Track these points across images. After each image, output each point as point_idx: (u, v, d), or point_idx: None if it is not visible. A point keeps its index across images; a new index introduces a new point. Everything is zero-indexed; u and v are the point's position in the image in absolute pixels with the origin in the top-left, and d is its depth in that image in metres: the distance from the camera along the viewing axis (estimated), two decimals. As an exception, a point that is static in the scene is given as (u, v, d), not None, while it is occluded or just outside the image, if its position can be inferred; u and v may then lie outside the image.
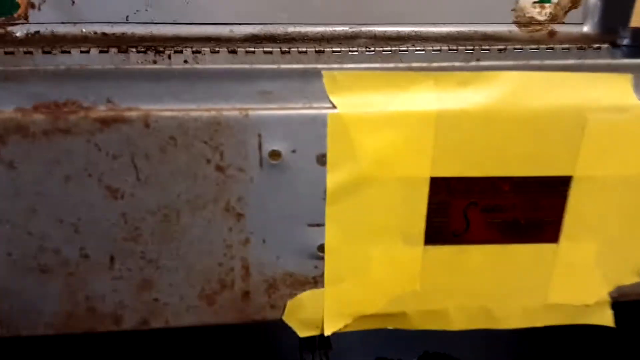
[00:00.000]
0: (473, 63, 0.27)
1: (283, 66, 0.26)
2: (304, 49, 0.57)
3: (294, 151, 0.27)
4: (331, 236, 0.29)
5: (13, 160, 0.25)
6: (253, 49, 0.57)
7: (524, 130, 0.28)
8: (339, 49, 0.58)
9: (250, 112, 0.26)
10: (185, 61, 0.57)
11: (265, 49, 0.57)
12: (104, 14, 0.57)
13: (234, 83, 0.26)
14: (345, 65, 0.26)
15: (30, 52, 0.52)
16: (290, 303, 0.30)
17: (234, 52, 0.56)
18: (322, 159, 0.27)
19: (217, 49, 0.57)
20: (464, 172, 0.28)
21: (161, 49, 0.57)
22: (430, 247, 0.30)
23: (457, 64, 0.27)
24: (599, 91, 0.28)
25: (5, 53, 0.54)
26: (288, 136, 0.26)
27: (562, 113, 0.27)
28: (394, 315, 0.31)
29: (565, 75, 0.28)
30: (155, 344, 0.64)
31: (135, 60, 0.55)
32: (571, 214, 0.29)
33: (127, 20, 0.58)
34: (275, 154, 0.27)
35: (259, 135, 0.26)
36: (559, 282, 0.31)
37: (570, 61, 0.28)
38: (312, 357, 0.36)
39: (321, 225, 0.28)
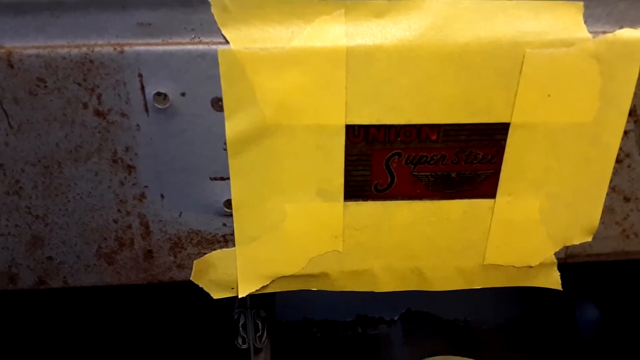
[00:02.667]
0: None
1: (162, -10, 0.23)
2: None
3: (183, 94, 0.23)
4: (238, 191, 0.26)
5: None
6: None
7: (451, 69, 0.24)
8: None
9: (127, 48, 0.22)
10: None
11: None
12: None
13: (107, 13, 0.22)
14: (239, -10, 0.23)
15: None
16: (197, 263, 0.27)
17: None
18: (218, 104, 0.24)
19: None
20: (384, 118, 0.25)
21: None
22: (351, 203, 0.27)
23: (372, -13, 0.23)
24: (541, 22, 0.24)
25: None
26: (175, 76, 0.23)
27: (497, 48, 0.23)
28: (316, 276, 0.29)
29: (502, 2, 0.24)
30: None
31: None
32: (509, 165, 0.26)
33: None
34: (161, 97, 0.24)
35: (140, 75, 0.22)
36: (497, 241, 0.28)
37: None
38: (245, 314, 0.35)
39: (226, 179, 0.26)
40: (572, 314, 0.70)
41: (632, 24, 0.24)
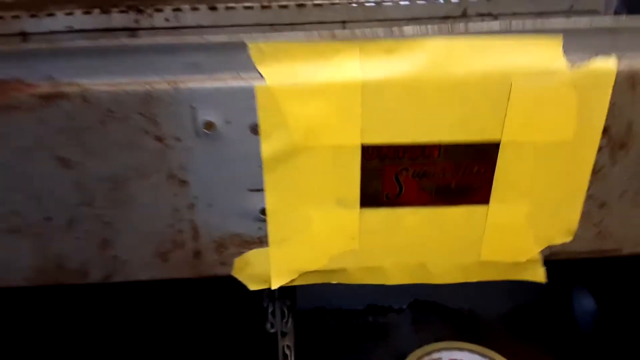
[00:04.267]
0: (396, 28, 0.27)
1: (209, 37, 0.27)
2: (285, 3, 0.58)
3: (227, 122, 0.27)
4: (271, 201, 0.29)
5: (-31, 135, 0.27)
6: (233, 5, 0.58)
7: (449, 97, 0.27)
8: (320, 2, 0.58)
9: (181, 85, 0.26)
10: (167, 19, 0.58)
11: (245, 5, 0.58)
12: None
13: (162, 55, 0.27)
14: (269, 35, 0.27)
15: (18, 17, 0.54)
16: (237, 260, 0.31)
17: (214, 8, 0.57)
18: (255, 129, 0.27)
19: (197, 6, 0.57)
20: (394, 139, 0.29)
21: (142, 8, 0.58)
22: (366, 210, 0.30)
23: (380, 31, 0.27)
24: (526, 55, 0.28)
25: (-6, 17, 0.56)
26: (220, 107, 0.27)
27: (487, 79, 0.27)
28: (336, 271, 0.33)
29: (490, 40, 0.28)
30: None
31: (119, 20, 0.57)
32: (500, 177, 0.29)
33: None
34: (209, 125, 0.27)
35: (192, 107, 0.27)
36: (490, 241, 0.32)
37: (496, 25, 0.28)
38: (273, 304, 0.39)
39: (261, 190, 0.29)
40: (569, 306, 0.73)
41: (604, 53, 0.28)
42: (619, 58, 0.27)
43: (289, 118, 0.27)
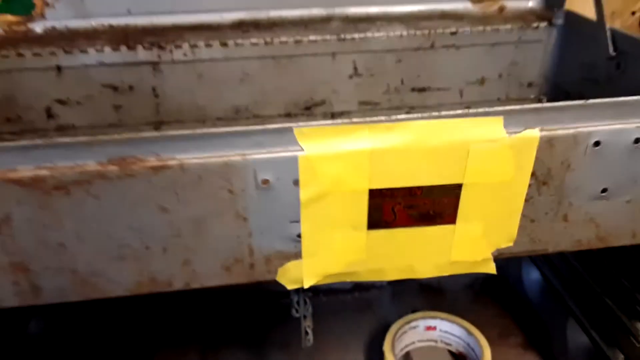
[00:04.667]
0: (394, 117, 0.39)
1: (269, 126, 0.38)
2: (285, 40, 0.69)
3: (278, 179, 0.39)
4: (304, 228, 0.40)
5: (98, 194, 0.38)
6: (241, 41, 0.69)
7: (428, 158, 0.39)
8: (314, 38, 0.70)
9: (247, 157, 0.36)
10: (185, 54, 0.69)
11: (252, 41, 0.69)
12: (108, 8, 0.68)
13: (237, 138, 0.38)
14: (309, 123, 0.39)
15: (54, 53, 0.64)
16: (280, 269, 0.43)
17: (225, 44, 0.68)
18: (296, 182, 0.39)
19: (210, 42, 0.68)
20: (391, 184, 0.40)
21: (163, 44, 0.68)
22: (372, 231, 0.41)
23: (383, 117, 0.39)
24: (479, 129, 0.41)
25: (33, 55, 0.65)
26: (274, 170, 0.37)
27: (454, 145, 0.39)
28: (350, 274, 0.43)
29: (456, 120, 0.40)
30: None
31: (143, 56, 0.67)
32: (462, 206, 0.40)
33: (129, 12, 0.69)
34: (265, 181, 0.39)
35: (254, 170, 0.38)
36: (457, 248, 0.44)
37: (460, 111, 0.40)
38: (298, 295, 0.52)
39: (298, 221, 0.40)
40: (520, 276, 0.88)
41: (531, 127, 0.41)
42: (541, 129, 0.40)
43: (319, 175, 0.39)
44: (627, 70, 0.59)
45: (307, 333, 0.51)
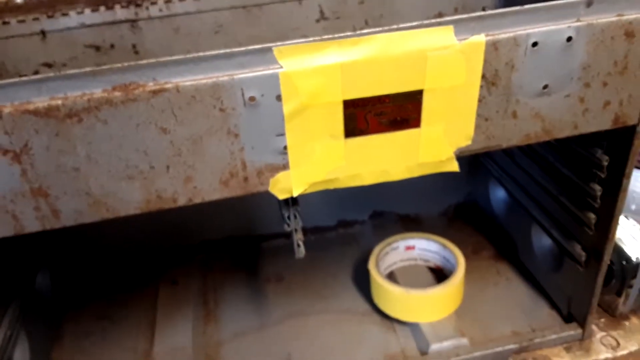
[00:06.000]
0: (358, 32, 0.45)
1: (250, 47, 0.43)
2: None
3: (262, 95, 0.44)
4: (289, 140, 0.45)
5: (106, 119, 0.43)
6: (215, -8, 0.73)
7: (393, 67, 0.45)
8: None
9: (235, 77, 0.42)
10: (160, 10, 0.73)
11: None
12: None
13: (223, 61, 0.43)
14: (286, 42, 0.44)
15: (38, 19, 0.67)
16: (272, 180, 0.49)
17: (199, -2, 0.72)
18: (279, 98, 0.44)
19: (183, -5, 0.72)
20: (362, 94, 0.45)
21: (139, 2, 0.72)
22: (348, 139, 0.46)
23: (349, 33, 0.45)
24: (434, 38, 0.46)
25: (18, 22, 0.69)
26: (258, 87, 0.42)
27: (413, 54, 0.44)
28: (332, 180, 0.49)
29: (414, 31, 0.46)
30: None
31: (121, 14, 0.71)
32: (425, 110, 0.46)
33: None
34: (252, 98, 0.44)
35: (242, 89, 0.44)
36: (424, 149, 0.50)
37: (416, 24, 0.46)
38: (289, 210, 0.58)
39: (283, 135, 0.45)
40: (487, 197, 0.95)
41: (478, 33, 0.47)
42: (486, 34, 0.46)
43: (299, 89, 0.45)
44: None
45: (299, 245, 0.57)
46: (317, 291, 0.81)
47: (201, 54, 0.41)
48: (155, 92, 0.42)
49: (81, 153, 0.43)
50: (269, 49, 0.42)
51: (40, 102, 0.40)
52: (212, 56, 0.42)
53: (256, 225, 0.96)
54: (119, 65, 0.40)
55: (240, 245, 0.97)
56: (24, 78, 0.39)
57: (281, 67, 0.41)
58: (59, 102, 0.40)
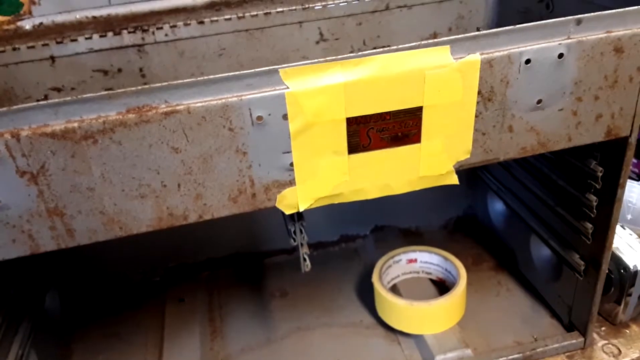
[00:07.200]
0: (360, 53, 0.46)
1: (257, 69, 0.45)
2: (255, 13, 0.75)
3: (269, 114, 0.46)
4: (295, 157, 0.47)
5: (120, 140, 0.45)
6: (216, 18, 0.75)
7: (393, 85, 0.46)
8: (282, 9, 0.77)
9: (243, 97, 0.43)
10: (166, 35, 0.75)
11: (226, 17, 0.75)
12: (90, 1, 0.74)
13: (232, 82, 0.45)
14: (291, 64, 0.46)
15: (47, 45, 0.69)
16: (279, 196, 0.51)
17: (201, 22, 0.75)
18: (285, 117, 0.45)
19: (188, 22, 0.75)
20: (364, 111, 0.47)
21: (146, 27, 0.74)
22: (352, 155, 0.48)
23: (352, 54, 0.46)
24: (432, 58, 0.48)
25: (28, 48, 0.71)
26: (265, 107, 0.43)
27: (413, 72, 0.46)
28: (336, 195, 0.51)
29: (411, 52, 0.48)
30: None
31: (129, 39, 0.73)
32: (425, 126, 0.47)
33: (109, 2, 0.75)
34: (259, 118, 0.46)
35: (249, 109, 0.45)
36: (424, 163, 0.52)
37: (414, 44, 0.48)
38: (294, 225, 0.59)
39: (289, 152, 0.47)
40: (486, 210, 0.97)
41: (473, 52, 0.49)
42: (481, 53, 0.48)
43: (304, 108, 0.46)
44: (555, 10, 0.68)
45: (304, 259, 0.58)
46: (321, 305, 0.82)
47: (211, 76, 0.43)
48: (167, 114, 0.43)
49: (96, 173, 0.44)
50: (276, 71, 0.44)
51: (57, 125, 0.42)
52: (222, 78, 0.43)
53: (260, 242, 0.97)
54: (133, 88, 0.42)
55: (245, 261, 0.97)
56: (41, 102, 0.41)
57: (287, 87, 0.43)
58: (75, 124, 0.42)
